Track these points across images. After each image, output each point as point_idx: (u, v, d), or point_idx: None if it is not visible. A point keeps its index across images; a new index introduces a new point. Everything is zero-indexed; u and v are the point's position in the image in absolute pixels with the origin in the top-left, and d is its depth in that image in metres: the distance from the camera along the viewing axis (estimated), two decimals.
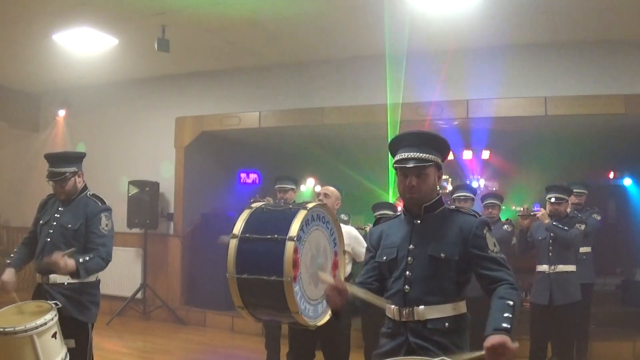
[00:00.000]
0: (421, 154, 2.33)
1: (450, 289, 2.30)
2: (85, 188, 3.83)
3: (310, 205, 3.39)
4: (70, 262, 3.36)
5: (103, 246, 3.63)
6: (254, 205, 3.55)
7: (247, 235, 3.29)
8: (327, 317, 3.43)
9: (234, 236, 3.29)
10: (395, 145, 2.42)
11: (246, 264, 3.22)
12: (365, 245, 3.89)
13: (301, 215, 3.27)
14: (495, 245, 2.33)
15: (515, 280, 2.26)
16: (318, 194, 4.28)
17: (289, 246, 3.14)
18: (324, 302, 3.43)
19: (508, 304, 2.12)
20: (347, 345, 3.98)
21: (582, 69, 6.13)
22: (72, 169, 3.73)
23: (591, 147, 7.79)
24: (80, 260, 3.44)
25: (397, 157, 2.38)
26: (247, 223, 3.35)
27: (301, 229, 3.23)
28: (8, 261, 3.80)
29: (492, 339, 1.98)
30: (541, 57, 6.23)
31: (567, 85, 6.15)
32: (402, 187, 2.37)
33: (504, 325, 2.04)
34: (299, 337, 3.93)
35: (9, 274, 3.67)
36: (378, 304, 2.38)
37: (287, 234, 3.17)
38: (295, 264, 3.16)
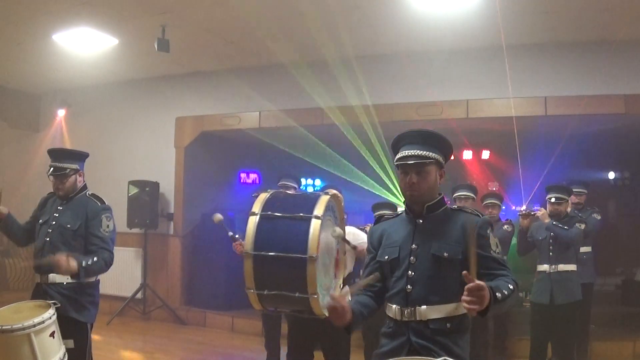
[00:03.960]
0: (422, 152, 2.34)
1: (452, 289, 2.30)
2: (84, 187, 3.83)
3: (331, 192, 3.36)
4: (73, 264, 3.35)
5: (105, 250, 3.62)
6: (270, 190, 3.46)
7: (269, 212, 3.19)
8: (327, 313, 3.40)
9: (254, 214, 3.18)
10: (398, 144, 2.43)
11: (266, 241, 3.11)
12: (362, 239, 3.89)
13: (324, 199, 3.22)
14: (497, 246, 2.34)
15: (515, 280, 2.27)
16: None
17: (316, 224, 3.05)
18: (327, 296, 3.41)
19: (509, 286, 2.17)
20: (347, 345, 3.98)
21: (582, 69, 6.13)
22: (74, 166, 3.73)
23: (591, 147, 7.78)
24: (83, 263, 3.43)
25: (399, 154, 2.39)
26: (267, 203, 3.25)
27: (323, 212, 3.15)
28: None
29: (487, 291, 2.01)
30: (541, 57, 6.23)
31: (567, 85, 6.15)
32: (403, 185, 2.38)
33: (497, 294, 2.08)
34: (299, 336, 3.93)
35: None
36: (369, 281, 2.41)
37: (313, 212, 3.10)
38: (318, 245, 3.07)
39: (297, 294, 3.09)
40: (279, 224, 3.16)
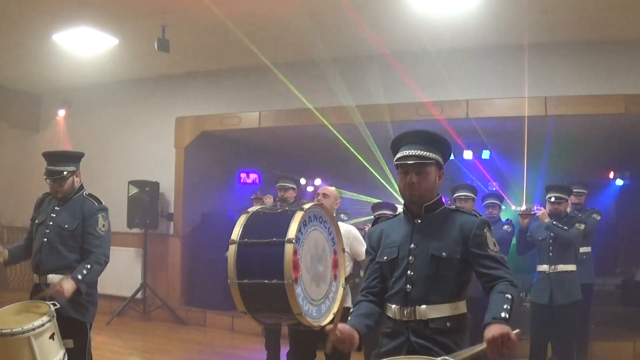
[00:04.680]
0: (422, 152, 2.34)
1: (451, 289, 2.30)
2: (81, 187, 3.82)
3: (306, 206, 3.38)
4: (69, 285, 3.35)
5: (100, 247, 3.62)
6: (250, 210, 3.53)
7: (246, 240, 3.28)
8: (330, 317, 3.42)
9: (233, 242, 3.29)
10: (397, 144, 2.43)
11: (246, 269, 3.21)
12: (364, 244, 3.89)
13: (298, 216, 3.26)
14: (495, 245, 2.33)
15: (514, 279, 2.27)
16: (317, 194, 4.27)
17: (288, 248, 3.13)
18: (327, 301, 3.43)
19: (507, 297, 2.14)
20: None
21: (582, 69, 6.13)
22: (71, 168, 3.72)
23: (591, 147, 7.78)
24: (79, 277, 3.43)
25: (399, 154, 2.39)
26: (245, 227, 3.34)
27: (299, 230, 3.22)
28: (9, 246, 3.82)
29: (493, 330, 1.98)
30: (541, 57, 6.23)
31: (567, 85, 6.15)
32: (403, 185, 2.37)
33: (503, 315, 2.06)
34: (300, 336, 3.92)
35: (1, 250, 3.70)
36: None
37: (286, 236, 3.16)
38: (296, 266, 3.15)
39: (285, 316, 3.22)
40: (256, 251, 3.25)
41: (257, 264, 3.21)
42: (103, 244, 3.65)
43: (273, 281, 3.12)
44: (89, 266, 3.51)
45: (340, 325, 2.22)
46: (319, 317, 3.35)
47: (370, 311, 2.41)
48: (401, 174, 2.38)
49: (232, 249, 3.26)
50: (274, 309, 3.25)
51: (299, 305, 3.13)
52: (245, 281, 3.19)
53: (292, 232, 3.17)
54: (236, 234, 3.31)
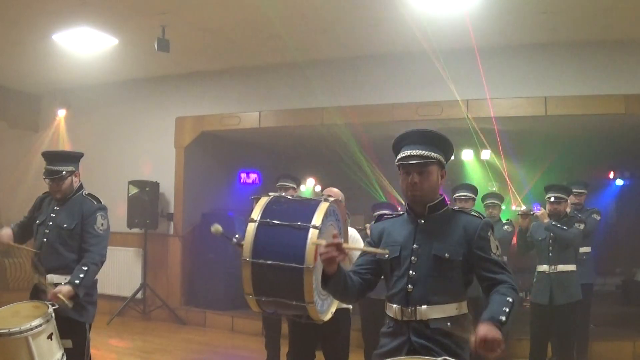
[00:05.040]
0: (424, 152, 2.34)
1: (453, 289, 2.31)
2: (80, 187, 3.82)
3: (331, 199, 3.36)
4: (66, 291, 3.36)
5: (96, 246, 3.61)
6: (271, 194, 3.47)
7: (267, 220, 3.19)
8: (329, 315, 3.42)
9: (253, 220, 3.19)
10: (399, 144, 2.43)
11: (264, 248, 3.12)
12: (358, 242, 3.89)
13: (324, 207, 3.20)
14: (497, 249, 2.34)
15: (515, 282, 2.27)
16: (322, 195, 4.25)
17: (314, 233, 3.05)
18: (328, 299, 3.42)
19: (508, 300, 2.15)
20: (346, 345, 3.98)
21: (582, 69, 6.13)
22: (70, 168, 3.72)
23: (591, 147, 7.79)
24: (77, 282, 3.43)
25: (401, 154, 2.39)
26: (266, 209, 3.25)
27: (322, 220, 3.14)
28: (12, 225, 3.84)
29: (488, 331, 2.00)
30: (541, 57, 6.23)
31: (567, 85, 6.15)
32: (405, 185, 2.37)
33: (501, 317, 2.07)
34: (300, 336, 3.92)
35: (6, 230, 3.73)
36: (375, 251, 2.40)
37: (311, 222, 3.09)
38: (315, 254, 3.05)
39: (294, 302, 3.12)
40: (277, 232, 3.16)
41: (277, 245, 3.12)
42: (100, 243, 3.65)
43: (291, 264, 3.03)
44: (85, 268, 3.51)
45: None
46: (322, 312, 3.32)
47: (354, 280, 2.41)
48: (403, 174, 2.38)
49: (252, 227, 3.16)
50: (284, 294, 3.13)
51: (313, 294, 3.05)
52: (260, 261, 3.09)
53: (317, 219, 3.11)
54: (257, 213, 3.21)
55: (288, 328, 4.07)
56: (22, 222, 3.91)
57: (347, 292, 2.40)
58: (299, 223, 3.12)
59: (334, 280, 2.30)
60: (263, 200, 3.32)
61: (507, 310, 2.11)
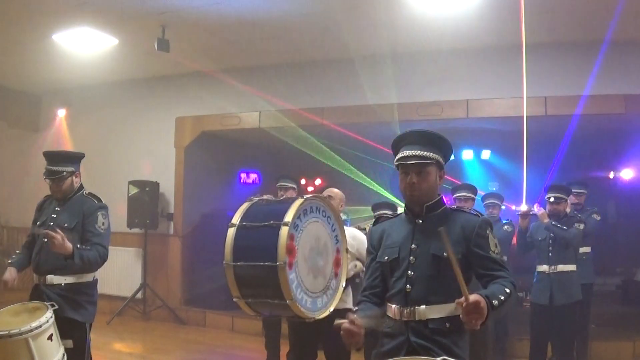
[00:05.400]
0: (423, 152, 2.34)
1: (451, 289, 2.29)
2: (81, 187, 3.83)
3: (307, 196, 3.42)
4: (68, 244, 3.39)
5: (99, 245, 3.63)
6: (254, 198, 3.56)
7: (244, 223, 3.31)
8: (327, 313, 3.42)
9: (232, 225, 3.31)
10: (398, 144, 2.43)
11: (242, 251, 3.23)
12: (362, 243, 3.89)
13: (297, 203, 3.29)
14: (496, 247, 2.34)
15: (514, 280, 2.27)
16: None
17: (284, 231, 3.14)
18: (324, 296, 3.43)
19: (505, 291, 2.15)
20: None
21: (582, 69, 6.13)
22: (70, 169, 3.73)
23: (591, 147, 7.78)
24: (78, 246, 3.48)
25: (399, 154, 2.39)
26: (246, 213, 3.38)
27: (297, 217, 3.24)
28: (9, 261, 3.81)
29: (481, 302, 1.99)
30: (541, 57, 6.22)
31: (567, 85, 6.15)
32: (403, 185, 2.38)
33: (495, 302, 2.07)
34: (300, 336, 3.92)
35: (10, 273, 3.70)
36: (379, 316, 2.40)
37: (283, 219, 3.18)
38: (291, 251, 3.16)
39: (276, 301, 3.18)
40: (253, 234, 3.26)
41: (253, 246, 3.24)
42: (102, 241, 3.66)
43: (266, 263, 3.12)
44: (89, 248, 3.56)
45: (358, 322, 2.23)
46: (314, 310, 3.34)
47: (375, 313, 2.42)
48: (402, 174, 2.38)
49: (231, 232, 3.29)
50: (266, 294, 3.23)
51: (291, 291, 3.12)
52: (240, 263, 3.21)
53: (289, 216, 3.19)
54: (237, 218, 3.34)
55: (288, 328, 4.06)
56: (27, 241, 3.90)
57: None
58: (272, 222, 3.21)
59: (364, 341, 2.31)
60: (244, 205, 3.44)
61: (503, 298, 2.11)
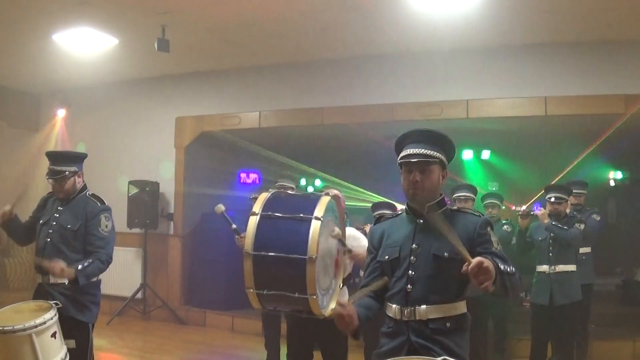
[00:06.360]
0: (426, 151, 2.34)
1: (452, 289, 2.31)
2: (84, 188, 3.83)
3: (331, 194, 3.37)
4: (68, 271, 3.38)
5: (103, 248, 3.63)
6: (271, 189, 3.48)
7: (269, 213, 3.18)
8: (329, 311, 3.41)
9: (254, 213, 3.18)
10: (401, 143, 2.43)
11: (266, 241, 3.11)
12: (362, 242, 3.89)
13: (325, 200, 3.21)
14: (498, 244, 2.34)
15: (518, 273, 2.28)
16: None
17: (316, 224, 3.05)
18: (327, 295, 3.42)
19: (511, 267, 2.20)
20: (345, 345, 3.98)
21: (582, 69, 6.13)
22: (73, 169, 3.73)
23: (591, 147, 7.78)
24: (79, 267, 3.45)
25: (402, 153, 2.39)
26: (268, 203, 3.26)
27: (324, 213, 3.15)
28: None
29: (485, 260, 2.01)
30: (541, 57, 6.23)
31: (567, 85, 6.15)
32: (406, 183, 2.37)
33: (501, 266, 2.11)
34: (297, 335, 3.92)
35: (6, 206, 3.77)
36: (379, 285, 2.40)
37: (313, 214, 3.10)
38: (318, 246, 3.07)
39: (296, 294, 3.08)
40: (279, 224, 3.15)
41: (279, 237, 3.12)
42: (106, 245, 3.66)
43: (294, 255, 3.02)
44: (90, 260, 3.54)
45: (348, 305, 2.27)
46: (323, 307, 3.32)
47: (370, 304, 2.44)
48: (405, 173, 2.37)
49: (253, 220, 3.15)
50: (286, 287, 3.10)
51: (315, 285, 3.04)
52: (262, 253, 3.08)
53: (319, 211, 3.11)
54: (258, 207, 3.21)
55: (287, 327, 4.06)
56: (26, 221, 3.92)
57: (374, 318, 2.45)
58: (301, 215, 3.11)
59: (360, 332, 2.34)
60: (264, 195, 3.32)
61: (509, 270, 2.15)
